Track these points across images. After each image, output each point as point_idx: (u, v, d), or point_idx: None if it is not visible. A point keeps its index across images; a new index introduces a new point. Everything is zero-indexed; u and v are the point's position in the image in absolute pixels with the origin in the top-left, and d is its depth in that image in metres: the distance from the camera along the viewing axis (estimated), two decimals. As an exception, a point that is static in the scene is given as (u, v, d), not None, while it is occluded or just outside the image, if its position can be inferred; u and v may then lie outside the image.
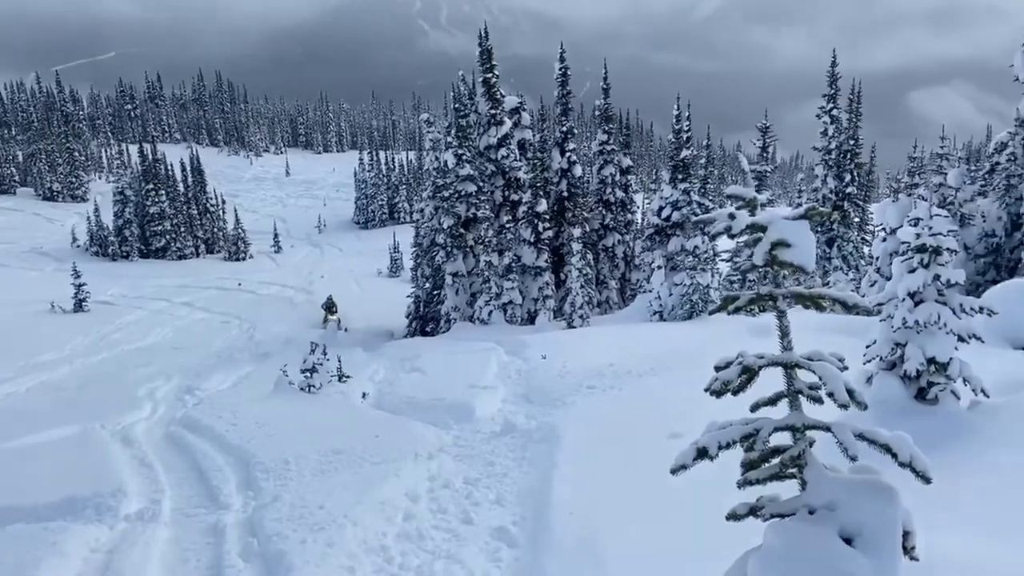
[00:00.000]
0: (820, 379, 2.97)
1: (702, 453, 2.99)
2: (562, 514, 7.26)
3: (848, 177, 30.88)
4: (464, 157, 29.46)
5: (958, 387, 7.68)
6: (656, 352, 16.44)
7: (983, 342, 7.67)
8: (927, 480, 2.89)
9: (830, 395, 2.92)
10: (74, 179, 73.73)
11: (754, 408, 3.19)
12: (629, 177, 35.53)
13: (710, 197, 38.80)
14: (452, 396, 14.19)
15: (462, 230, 30.01)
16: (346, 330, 31.06)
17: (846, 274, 27.25)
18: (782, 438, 3.14)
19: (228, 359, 24.47)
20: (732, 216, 3.06)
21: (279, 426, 12.77)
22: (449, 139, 30.23)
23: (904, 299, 7.44)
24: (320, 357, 17.49)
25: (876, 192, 42.68)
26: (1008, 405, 7.43)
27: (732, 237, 3.12)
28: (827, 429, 2.98)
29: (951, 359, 7.44)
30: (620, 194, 35.23)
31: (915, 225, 7.61)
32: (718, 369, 3.26)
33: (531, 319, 29.47)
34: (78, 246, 54.44)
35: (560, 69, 32.89)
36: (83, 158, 79.38)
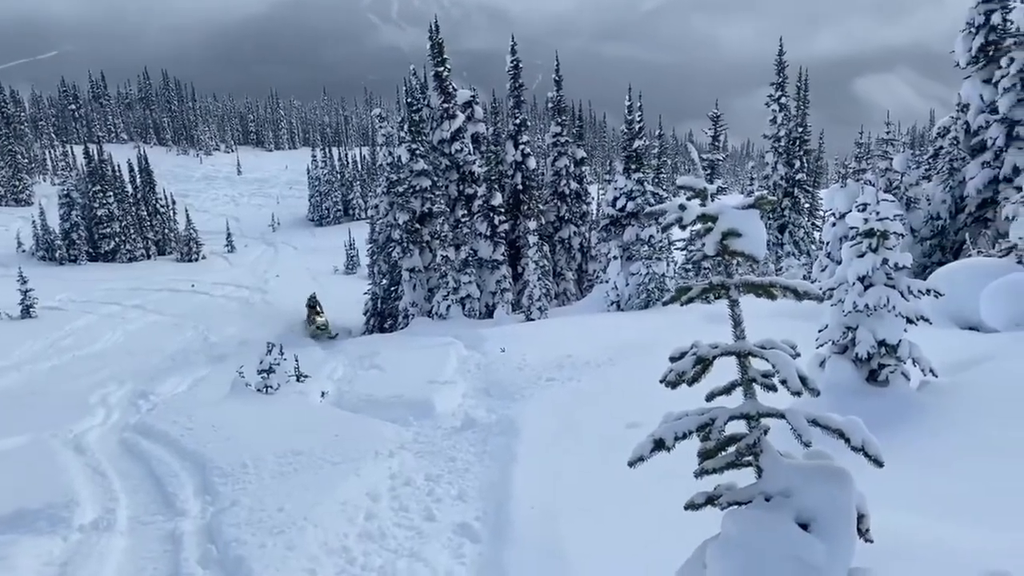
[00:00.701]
0: (773, 367, 3.00)
1: (659, 444, 3.00)
2: (523, 508, 7.26)
3: (798, 164, 31.39)
4: (418, 152, 29.31)
5: (908, 368, 7.85)
6: (614, 342, 16.56)
7: (931, 323, 7.85)
8: (879, 464, 2.94)
9: (783, 382, 2.95)
10: (17, 182, 71.54)
11: (710, 397, 3.20)
12: (583, 168, 35.69)
13: (664, 186, 39.15)
14: (411, 392, 14.13)
15: (418, 225, 29.88)
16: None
17: (798, 259, 27.72)
18: (738, 426, 3.16)
19: (183, 362, 24.01)
20: (683, 207, 3.06)
21: (236, 429, 12.57)
22: (402, 134, 30.05)
23: (854, 283, 7.58)
24: (277, 357, 17.26)
25: (825, 178, 43.47)
26: (955, 385, 7.61)
27: (683, 228, 3.13)
28: (781, 416, 3.00)
29: (900, 341, 7.60)
30: (575, 186, 35.37)
31: (862, 210, 7.75)
32: (673, 360, 3.27)
33: (489, 313, 29.46)
34: (23, 251, 52.90)
35: (512, 62, 32.87)
36: (26, 160, 77.04)
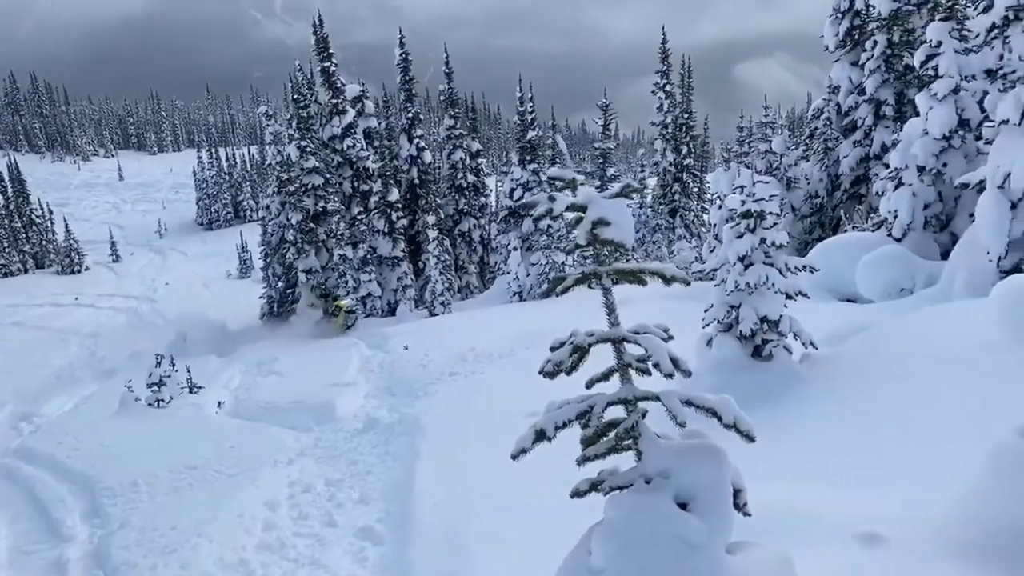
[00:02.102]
0: (646, 351, 3.04)
1: (540, 435, 3.00)
2: (426, 506, 7.20)
3: (685, 149, 32.32)
4: (308, 149, 28.62)
5: (790, 342, 8.19)
6: (516, 332, 16.64)
7: (809, 298, 8.22)
8: (751, 439, 3.02)
9: (655, 366, 3.00)
10: None
11: (589, 384, 3.23)
12: (480, 161, 35.72)
13: (559, 176, 39.41)
14: (312, 397, 13.84)
15: (312, 224, 29.19)
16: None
17: (689, 242, 28.56)
18: (619, 412, 3.20)
19: (69, 379, 22.80)
20: (552, 198, 3.07)
21: (127, 447, 12.01)
22: (291, 131, 29.28)
23: (735, 263, 7.84)
24: (167, 369, 16.59)
25: (713, 162, 44.91)
26: (835, 356, 8.00)
27: (554, 219, 3.13)
28: (657, 399, 3.06)
29: (781, 317, 7.92)
30: (472, 178, 35.37)
31: (740, 193, 8.02)
32: (553, 350, 3.28)
33: (392, 310, 29.15)
34: None
35: (401, 55, 32.54)
36: None
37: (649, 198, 34.45)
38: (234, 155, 76.87)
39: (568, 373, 3.07)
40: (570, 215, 3.16)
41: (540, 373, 3.06)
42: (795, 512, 4.06)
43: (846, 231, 15.92)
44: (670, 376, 2.97)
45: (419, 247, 33.26)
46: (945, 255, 12.31)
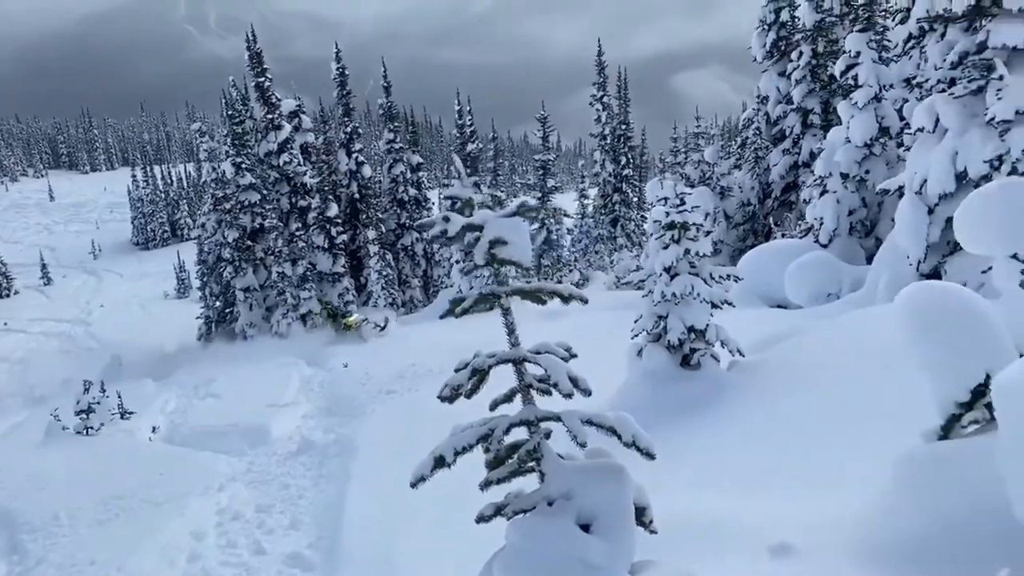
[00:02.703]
0: (545, 371, 3.01)
1: (439, 462, 2.94)
2: (356, 529, 7.07)
3: (624, 160, 32.67)
4: (244, 165, 28.12)
5: (718, 350, 8.28)
6: (456, 346, 16.38)
7: (734, 307, 8.32)
8: (651, 456, 3.01)
9: (554, 386, 2.96)
10: None
11: (493, 406, 3.19)
12: (421, 174, 35.55)
13: (502, 188, 39.66)
14: (247, 419, 13.53)
15: (249, 242, 28.65)
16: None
17: (631, 251, 28.84)
18: (525, 433, 3.16)
19: (-5, 408, 21.94)
20: (447, 219, 3.02)
21: (52, 478, 11.53)
22: (226, 148, 28.77)
23: (661, 274, 7.90)
24: (97, 395, 16.05)
25: (652, 172, 45.50)
26: (761, 362, 8.11)
27: (450, 239, 3.08)
28: (558, 419, 3.02)
29: (708, 325, 8.00)
30: (413, 192, 35.17)
31: (664, 204, 8.09)
32: (457, 371, 3.23)
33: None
34: None
35: (337, 70, 32.26)
36: None
37: (590, 208, 34.74)
38: (170, 173, 75.18)
39: (468, 396, 3.02)
40: (469, 235, 3.12)
41: (439, 398, 3.00)
42: (711, 524, 4.07)
43: (776, 238, 16.25)
44: (568, 396, 2.94)
45: (360, 262, 32.91)
46: (871, 259, 12.64)
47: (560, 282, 32.02)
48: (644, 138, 38.20)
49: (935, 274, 10.00)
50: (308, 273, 28.59)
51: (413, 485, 2.92)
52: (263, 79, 29.30)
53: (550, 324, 16.71)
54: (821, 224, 13.24)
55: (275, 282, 27.77)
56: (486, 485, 3.03)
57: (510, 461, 3.08)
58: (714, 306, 8.10)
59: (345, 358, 19.89)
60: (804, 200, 14.31)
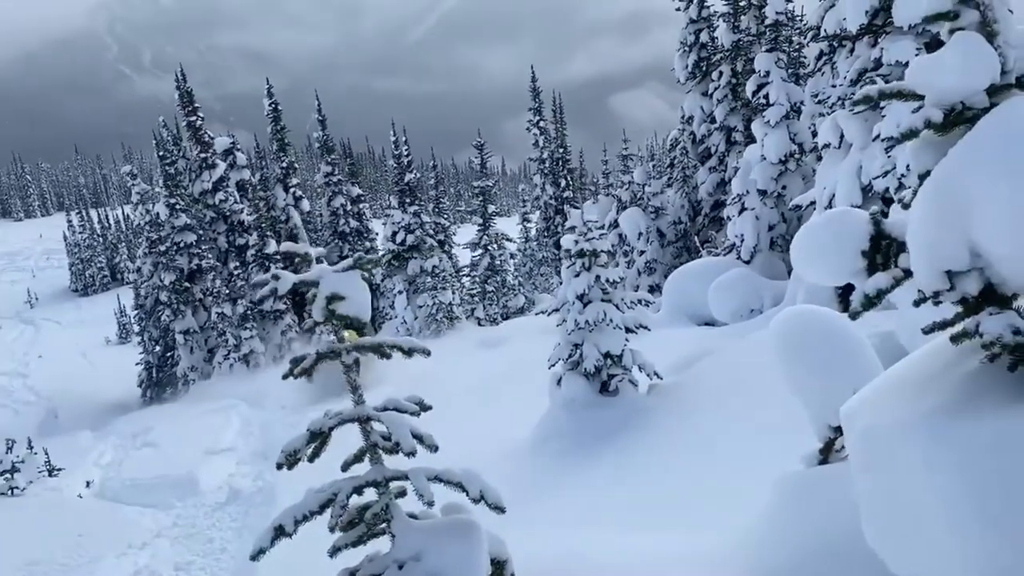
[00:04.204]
0: (387, 429, 2.94)
1: (279, 532, 2.85)
2: (270, 584, 6.85)
3: (564, 183, 32.92)
4: (178, 206, 27.69)
5: (636, 375, 8.29)
6: (395, 379, 16.36)
7: (649, 330, 8.35)
8: (500, 510, 2.95)
9: (396, 445, 2.89)
10: None
11: (345, 467, 3.11)
12: (361, 206, 35.37)
13: (445, 215, 39.68)
14: (178, 470, 13.17)
15: (187, 284, 28.14)
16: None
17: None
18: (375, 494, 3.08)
19: (-82, 472, 20.93)
20: (276, 276, 2.95)
21: (-33, 545, 11.05)
22: (159, 189, 28.32)
23: (574, 302, 7.90)
24: (23, 454, 15.47)
25: (590, 194, 45.89)
26: (678, 384, 8.15)
27: (280, 298, 3.00)
28: (406, 477, 2.95)
29: (624, 351, 8.02)
30: (355, 223, 34.95)
31: (573, 232, 8.12)
32: (311, 431, 3.13)
33: (277, 365, 28.32)
34: None
35: (270, 105, 32.02)
36: None
37: (533, 231, 34.86)
38: (108, 216, 73.59)
39: (310, 460, 2.93)
40: (309, 292, 3.04)
41: (276, 465, 2.91)
42: (597, 564, 4.02)
43: (704, 255, 16.45)
44: (411, 455, 2.87)
45: (303, 297, 32.41)
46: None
47: (506, 306, 32.02)
48: (582, 160, 38.62)
49: (848, 286, 10.16)
50: (249, 312, 28.14)
51: (253, 558, 2.82)
52: (194, 118, 28.94)
53: (491, 352, 16.66)
54: (742, 241, 13.45)
55: (215, 323, 27.28)
56: (334, 552, 2.94)
57: (361, 524, 2.99)
58: (629, 331, 8.12)
59: (285, 400, 19.52)
60: (727, 217, 14.53)
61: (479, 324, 28.59)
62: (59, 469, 16.06)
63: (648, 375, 8.20)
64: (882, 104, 8.39)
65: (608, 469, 6.47)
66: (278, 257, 30.50)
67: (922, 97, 2.83)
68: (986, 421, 2.57)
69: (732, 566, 3.68)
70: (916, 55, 9.42)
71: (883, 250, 3.07)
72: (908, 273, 2.89)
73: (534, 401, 9.33)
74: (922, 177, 2.84)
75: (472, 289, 32.39)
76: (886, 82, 9.77)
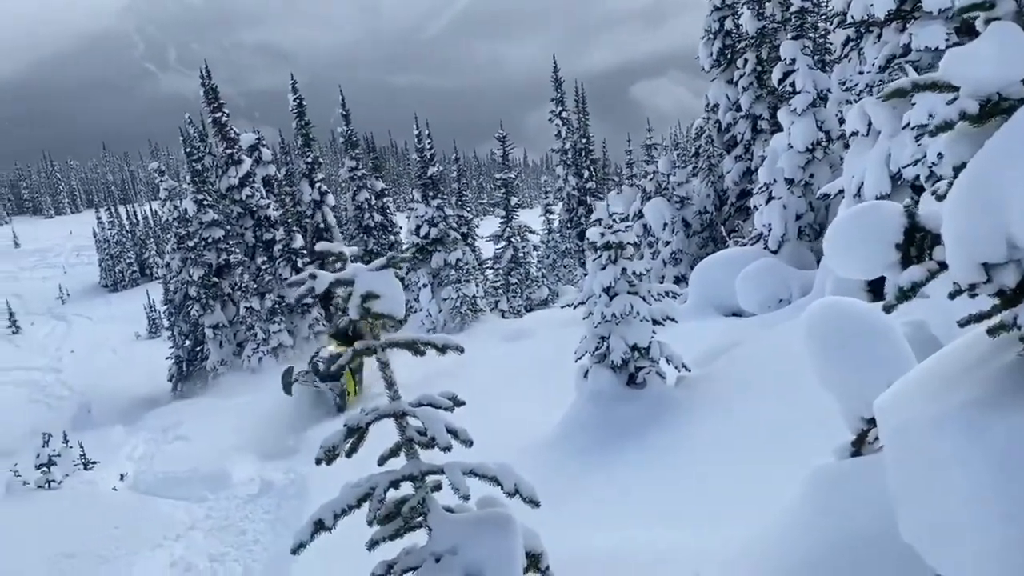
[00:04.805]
0: (423, 424, 2.98)
1: (319, 526, 2.90)
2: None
3: (587, 174, 32.83)
4: (205, 202, 28.01)
5: (663, 367, 8.28)
6: (422, 372, 16.45)
7: (676, 322, 8.34)
8: (535, 504, 2.99)
9: (432, 440, 2.93)
10: None
11: (381, 461, 3.15)
12: (385, 200, 35.53)
13: (469, 208, 39.76)
14: (208, 464, 13.35)
15: (215, 279, 28.47)
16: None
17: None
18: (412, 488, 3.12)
19: (-41, 466, 21.42)
20: (314, 276, 3.00)
21: (6, 536, 11.31)
22: (186, 185, 28.67)
23: (600, 295, 7.91)
24: (58, 447, 15.79)
25: (614, 184, 45.72)
26: (705, 376, 8.12)
27: (316, 297, 3.05)
28: (441, 471, 2.99)
29: (651, 343, 8.01)
30: (379, 217, 35.14)
31: (598, 225, 8.11)
32: (348, 426, 3.18)
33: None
34: None
35: (294, 100, 32.21)
36: None
37: (556, 223, 34.83)
38: (136, 212, 74.57)
39: (348, 456, 2.99)
40: (342, 291, 3.09)
41: (316, 460, 2.96)
42: (629, 558, 4.04)
43: (729, 246, 16.35)
44: (446, 449, 2.91)
45: (329, 291, 32.73)
46: (821, 262, 12.73)
47: (529, 299, 32.02)
48: (605, 150, 38.48)
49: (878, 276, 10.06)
50: (277, 306, 28.42)
51: (294, 552, 2.88)
52: (220, 114, 29.19)
53: (514, 345, 16.68)
54: (770, 230, 13.36)
55: (244, 317, 27.59)
56: (372, 545, 2.99)
57: (398, 518, 3.04)
58: (656, 323, 8.12)
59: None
60: (754, 207, 14.43)
61: (503, 316, 28.66)
62: (94, 462, 16.37)
63: (676, 367, 8.20)
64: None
65: (636, 462, 6.48)
66: (304, 252, 30.74)
67: (956, 88, 2.81)
68: (1021, 415, 2.56)
69: (769, 560, 3.69)
70: (947, 41, 9.30)
71: (917, 243, 3.05)
72: (943, 266, 2.88)
73: (559, 394, 9.35)
74: (957, 169, 2.81)
75: (495, 282, 32.47)
76: (916, 68, 9.66)
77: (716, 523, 4.56)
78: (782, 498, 4.47)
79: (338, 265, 3.07)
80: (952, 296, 2.85)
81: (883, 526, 3.52)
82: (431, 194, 30.05)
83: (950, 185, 2.80)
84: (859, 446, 4.16)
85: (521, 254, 31.38)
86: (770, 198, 13.49)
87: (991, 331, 2.77)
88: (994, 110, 2.72)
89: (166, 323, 34.31)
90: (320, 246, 3.08)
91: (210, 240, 28.05)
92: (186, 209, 28.22)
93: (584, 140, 33.11)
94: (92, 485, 14.72)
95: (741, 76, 18.81)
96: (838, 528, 3.59)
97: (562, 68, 31.96)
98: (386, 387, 3.11)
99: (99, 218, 70.01)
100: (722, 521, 4.58)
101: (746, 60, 18.81)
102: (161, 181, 29.93)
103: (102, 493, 14.05)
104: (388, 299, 2.98)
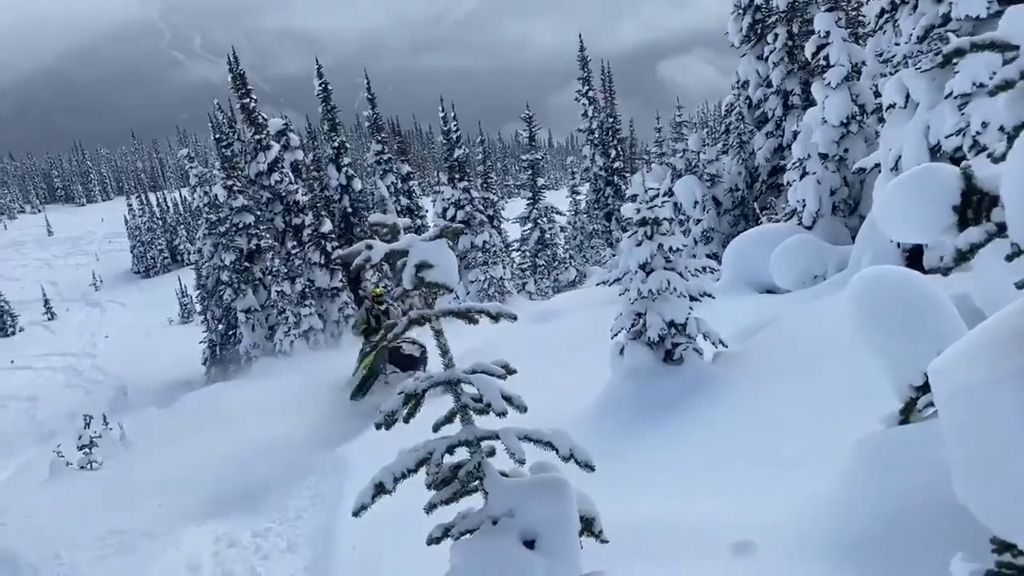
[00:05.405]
0: (478, 391, 3.02)
1: (379, 489, 2.96)
2: (346, 550, 7.08)
3: (613, 153, 32.65)
4: (235, 188, 28.27)
5: (700, 343, 8.27)
6: (457, 353, 16.55)
7: (714, 298, 8.32)
8: (590, 468, 3.02)
9: (488, 406, 2.98)
10: None
11: (435, 428, 3.21)
12: (412, 183, 35.62)
13: (494, 190, 39.74)
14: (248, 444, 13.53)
15: (247, 263, 28.78)
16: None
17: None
18: (467, 453, 3.17)
19: (5, 447, 22.09)
20: (369, 246, 3.04)
21: (53, 516, 11.62)
22: (216, 171, 28.97)
23: (636, 271, 7.90)
24: (100, 429, 16.16)
25: (642, 163, 45.42)
26: (743, 352, 8.11)
27: (373, 267, 3.10)
28: (496, 437, 3.04)
29: (688, 319, 8.00)
30: (405, 201, 35.24)
31: (633, 201, 8.09)
32: (403, 394, 3.23)
33: (336, 340, 28.86)
34: None
35: (320, 85, 32.31)
36: None
37: (583, 204, 34.73)
38: (166, 199, 75.44)
39: (406, 421, 3.04)
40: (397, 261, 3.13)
41: (375, 425, 3.02)
42: (673, 526, 4.08)
43: (763, 223, 16.22)
44: (502, 415, 2.95)
45: (358, 275, 32.94)
46: (856, 238, 12.59)
47: (557, 280, 31.98)
48: (632, 129, 38.22)
49: (917, 249, 9.96)
50: (307, 290, 28.68)
51: (355, 514, 2.94)
52: (248, 100, 29.35)
53: (539, 327, 16.71)
54: (804, 206, 13.24)
55: (275, 301, 27.87)
56: (430, 508, 3.05)
57: (455, 482, 3.09)
58: (693, 299, 8.10)
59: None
60: (787, 183, 14.29)
61: (530, 298, 28.70)
62: (131, 443, 16.74)
63: (713, 343, 8.18)
64: (956, 60, 8.15)
65: (675, 436, 6.50)
66: (333, 236, 30.96)
67: (1016, 47, 2.78)
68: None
69: (820, 528, 3.70)
70: (987, 9, 9.11)
71: (975, 205, 3.03)
72: (1001, 228, 2.86)
73: (593, 373, 9.38)
74: (1017, 129, 2.78)
75: (523, 263, 32.49)
76: (957, 37, 9.47)
77: (760, 493, 4.57)
78: (827, 468, 4.48)
79: (393, 237, 3.11)
80: (1009, 258, 2.82)
81: (936, 491, 3.51)
82: (457, 177, 30.12)
83: (1010, 145, 2.77)
84: (907, 414, 4.15)
85: (548, 235, 31.35)
86: (804, 173, 13.36)
87: (1049, 293, 2.75)
88: (1056, 68, 2.68)
89: (198, 308, 34.87)
90: (374, 218, 3.12)
91: (241, 225, 28.33)
92: (216, 195, 28.56)
93: (611, 119, 32.92)
94: (130, 464, 15.06)
95: (772, 51, 18.57)
96: (891, 495, 3.59)
97: (588, 47, 31.74)
98: (440, 355, 3.16)
99: (130, 205, 70.97)
100: (766, 491, 4.59)
101: (776, 35, 18.56)
102: (191, 168, 30.30)
103: (139, 474, 14.34)
104: (442, 268, 3.02)
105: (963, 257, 2.93)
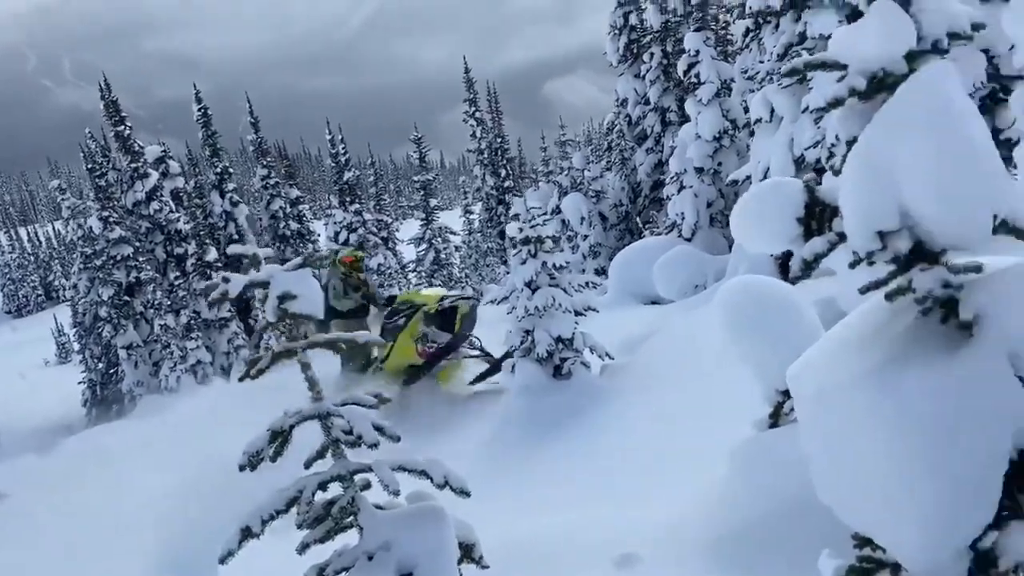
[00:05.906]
0: (348, 424, 2.95)
1: (246, 533, 2.84)
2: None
3: (504, 172, 32.96)
4: (111, 219, 26.98)
5: (587, 357, 8.41)
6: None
7: (598, 312, 8.48)
8: (466, 494, 3.00)
9: (359, 438, 2.91)
10: None
11: (307, 464, 3.10)
12: (301, 207, 34.92)
13: (387, 212, 39.41)
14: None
15: (127, 297, 27.46)
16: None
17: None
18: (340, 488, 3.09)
19: None
20: (227, 279, 2.93)
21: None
22: (90, 203, 27.60)
23: (522, 289, 7.97)
24: (-36, 484, 14.97)
25: (534, 182, 46.04)
26: (630, 362, 8.30)
27: (232, 301, 2.99)
28: (369, 469, 2.97)
29: (575, 334, 8.12)
30: (295, 225, 34.48)
31: (517, 220, 8.17)
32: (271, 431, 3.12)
33: (227, 374, 27.85)
34: None
35: (199, 110, 31.36)
36: None
37: (476, 223, 34.90)
38: (38, 233, 71.33)
39: (273, 460, 2.93)
40: (259, 293, 3.03)
41: (241, 468, 2.90)
42: (558, 543, 4.10)
43: (646, 236, 16.71)
44: (373, 447, 2.89)
45: (248, 304, 31.96)
46: (734, 247, 13.11)
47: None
48: (521, 149, 38.74)
49: (787, 257, 10.44)
50: (192, 322, 27.59)
51: (222, 561, 2.81)
52: (122, 127, 28.15)
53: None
54: (683, 219, 13.73)
55: (159, 336, 26.68)
56: (303, 548, 2.95)
57: (328, 519, 3.00)
58: (578, 314, 8.23)
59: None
60: (667, 196, 14.78)
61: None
62: (5, 495, 15.59)
63: (600, 356, 8.33)
64: (809, 76, 8.63)
65: (564, 451, 6.58)
66: (219, 264, 29.95)
67: (845, 66, 2.95)
68: (925, 369, 2.70)
69: (701, 532, 3.80)
70: (838, 27, 9.72)
71: (817, 216, 3.19)
72: (842, 236, 3.02)
73: (492, 390, 9.40)
74: (850, 143, 2.95)
75: (419, 284, 32.31)
76: (811, 55, 10.06)
77: (646, 502, 4.67)
78: (709, 471, 4.61)
79: (253, 268, 3.01)
80: (852, 265, 2.99)
81: (806, 491, 3.65)
82: (348, 199, 29.76)
83: (844, 160, 2.95)
84: (776, 418, 4.32)
85: (443, 255, 31.34)
86: (681, 187, 13.86)
87: (889, 296, 2.91)
88: (880, 85, 2.86)
89: (76, 346, 32.99)
90: (232, 249, 3.01)
91: (119, 258, 27.03)
92: (91, 227, 27.19)
93: (499, 139, 33.25)
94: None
95: (648, 70, 19.21)
96: (761, 497, 3.72)
97: (474, 68, 32.00)
98: (308, 388, 3.07)
99: (-3, 241, 66.66)
100: (650, 500, 4.69)
101: (652, 54, 19.23)
102: (63, 199, 28.78)
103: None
104: (306, 299, 2.94)
105: (808, 267, 3.09)
